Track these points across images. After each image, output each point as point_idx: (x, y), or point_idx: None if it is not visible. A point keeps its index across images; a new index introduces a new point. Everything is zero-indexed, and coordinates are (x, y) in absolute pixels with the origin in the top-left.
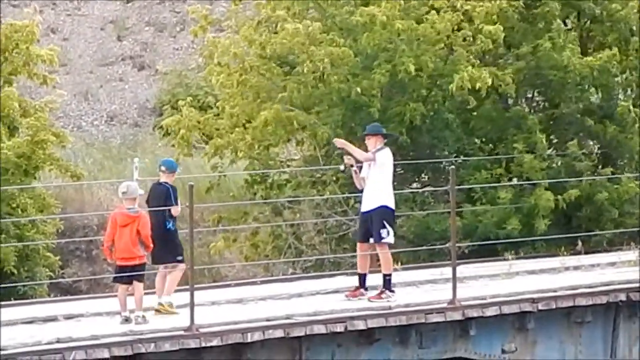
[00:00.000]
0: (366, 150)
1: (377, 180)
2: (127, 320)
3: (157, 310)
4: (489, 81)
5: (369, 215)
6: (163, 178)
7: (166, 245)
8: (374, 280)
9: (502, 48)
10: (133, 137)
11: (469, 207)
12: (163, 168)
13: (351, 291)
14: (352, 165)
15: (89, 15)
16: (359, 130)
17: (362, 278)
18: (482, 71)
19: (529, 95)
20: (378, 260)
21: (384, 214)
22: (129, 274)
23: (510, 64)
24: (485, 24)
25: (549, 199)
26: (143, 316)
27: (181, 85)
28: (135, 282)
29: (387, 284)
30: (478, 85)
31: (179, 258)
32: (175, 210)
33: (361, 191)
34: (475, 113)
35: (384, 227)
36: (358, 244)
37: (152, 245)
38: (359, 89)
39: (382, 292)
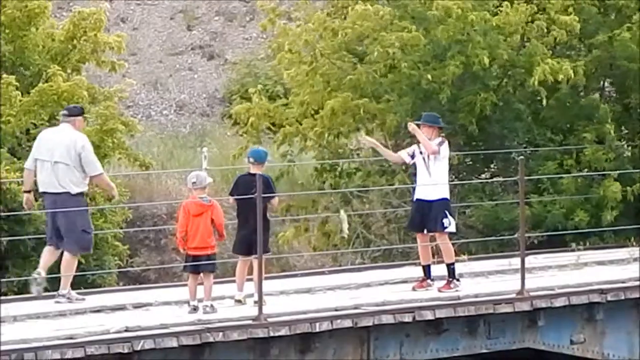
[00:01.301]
0: None
1: (438, 172)
2: (195, 309)
3: (239, 301)
4: (571, 73)
5: (426, 204)
6: (253, 169)
7: (268, 235)
8: (439, 271)
9: (575, 40)
10: (202, 127)
11: (536, 197)
12: (252, 160)
13: (418, 282)
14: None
15: (159, 5)
16: None
17: (427, 269)
18: (562, 62)
19: (601, 85)
20: (439, 252)
21: (445, 205)
22: (203, 263)
23: (583, 55)
24: (560, 14)
25: (616, 190)
26: (211, 305)
27: (250, 75)
28: (205, 272)
29: (452, 273)
30: (560, 77)
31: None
32: (276, 201)
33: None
34: (546, 104)
35: (446, 216)
36: (417, 235)
37: (225, 235)
38: (429, 76)
39: (449, 282)
